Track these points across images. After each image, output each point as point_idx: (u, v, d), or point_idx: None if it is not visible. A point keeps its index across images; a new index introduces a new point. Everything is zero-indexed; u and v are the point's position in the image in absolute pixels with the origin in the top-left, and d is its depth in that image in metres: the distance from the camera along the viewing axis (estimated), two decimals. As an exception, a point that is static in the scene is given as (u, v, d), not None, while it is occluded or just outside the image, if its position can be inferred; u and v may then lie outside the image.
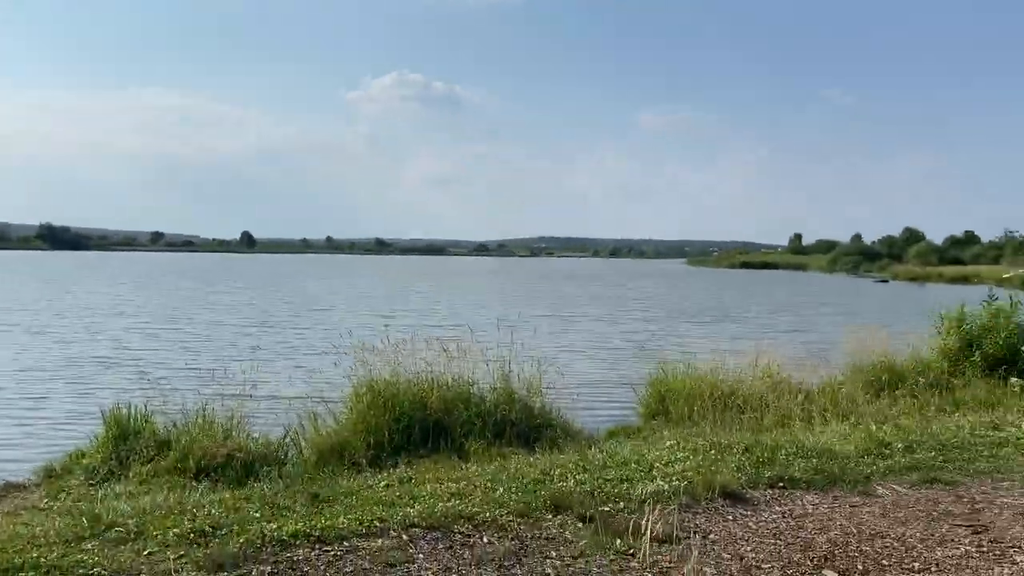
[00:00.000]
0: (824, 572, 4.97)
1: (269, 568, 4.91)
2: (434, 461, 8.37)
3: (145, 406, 8.41)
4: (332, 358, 12.28)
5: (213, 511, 5.82)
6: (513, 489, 6.50)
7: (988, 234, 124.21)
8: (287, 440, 8.20)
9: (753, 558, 5.23)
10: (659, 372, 11.44)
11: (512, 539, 5.51)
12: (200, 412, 8.19)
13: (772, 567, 5.08)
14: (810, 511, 6.19)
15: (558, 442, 9.01)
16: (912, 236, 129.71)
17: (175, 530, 5.38)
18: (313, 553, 5.15)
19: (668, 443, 8.24)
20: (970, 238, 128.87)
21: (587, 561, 5.14)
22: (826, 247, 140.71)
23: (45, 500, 6.92)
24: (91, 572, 4.71)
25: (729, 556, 5.27)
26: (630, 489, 6.48)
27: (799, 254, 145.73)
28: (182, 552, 5.08)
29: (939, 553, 5.34)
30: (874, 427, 8.84)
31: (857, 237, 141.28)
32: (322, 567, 4.96)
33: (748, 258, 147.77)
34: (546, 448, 8.76)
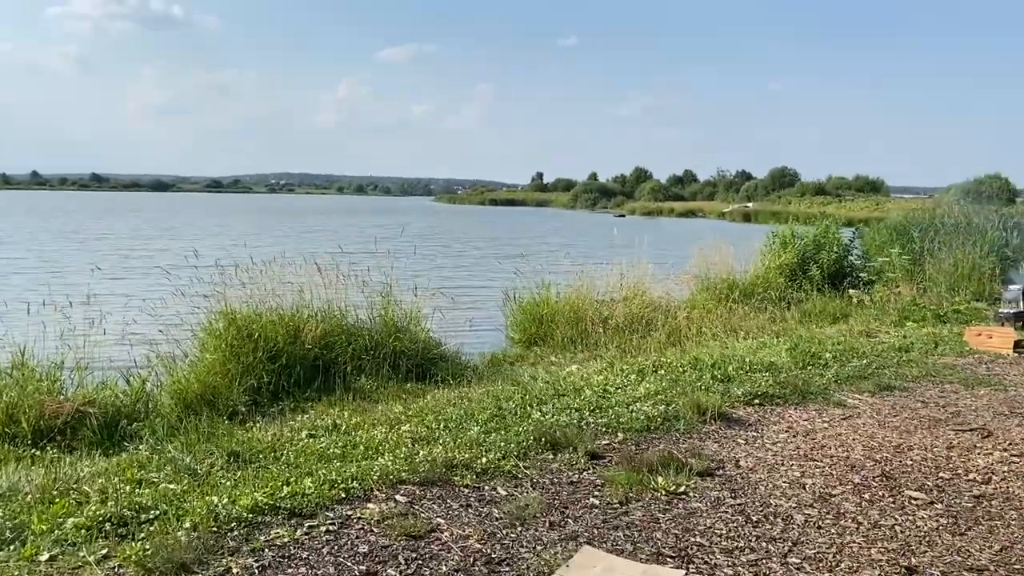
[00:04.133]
0: (908, 493, 4.41)
1: (253, 559, 3.47)
2: (330, 403, 6.97)
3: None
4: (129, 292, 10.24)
5: (112, 488, 4.16)
6: (481, 429, 5.37)
7: (704, 173, 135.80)
8: (148, 390, 6.36)
9: (812, 484, 4.56)
10: (533, 295, 10.57)
11: (532, 486, 4.44)
12: (18, 360, 6.10)
13: (844, 492, 4.44)
14: (810, 427, 5.67)
15: (463, 374, 7.90)
16: (641, 175, 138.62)
17: (74, 520, 3.72)
18: (299, 532, 3.76)
19: (597, 366, 7.48)
20: (689, 176, 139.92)
21: (643, 506, 4.20)
22: (565, 185, 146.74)
23: None
24: (-22, 598, 3.03)
25: (788, 484, 4.56)
26: (617, 418, 5.58)
27: (541, 191, 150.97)
28: (105, 550, 3.49)
29: (981, 462, 4.99)
30: (777, 340, 8.62)
31: (593, 176, 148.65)
32: (324, 549, 3.61)
33: (495, 195, 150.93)
34: (452, 382, 7.63)
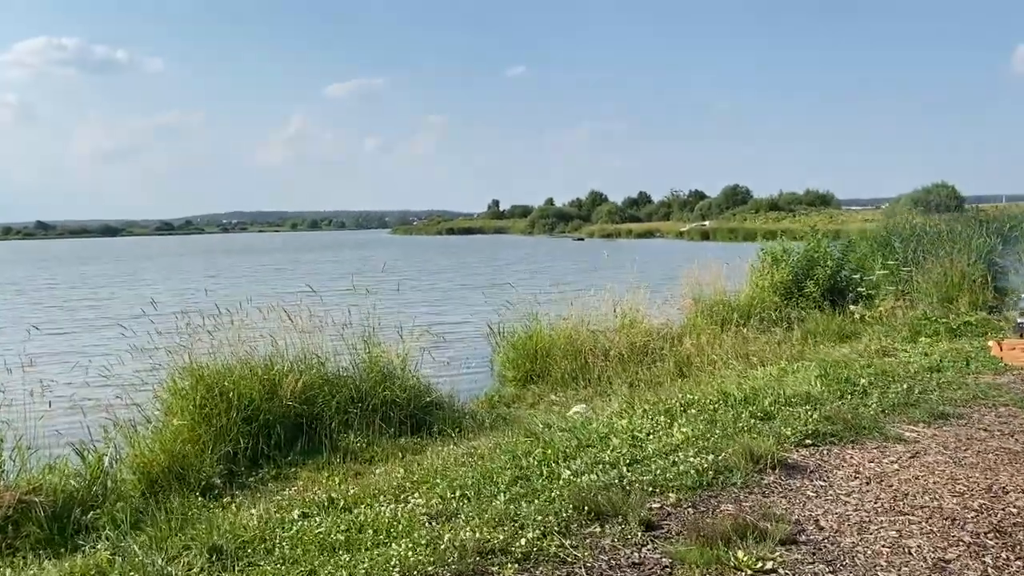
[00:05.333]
0: (1040, 553, 3.69)
1: None
2: (318, 467, 6.13)
3: None
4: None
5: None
6: (507, 497, 4.56)
7: (657, 194, 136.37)
8: (105, 466, 5.44)
9: (918, 547, 3.83)
10: (524, 329, 9.81)
11: (588, 574, 3.63)
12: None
13: (959, 556, 3.71)
14: (878, 470, 4.95)
15: (462, 423, 7.09)
16: (597, 198, 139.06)
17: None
18: (312, 665, 2.91)
19: (614, 407, 6.72)
20: (643, 198, 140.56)
21: (729, 592, 3.42)
22: (522, 211, 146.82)
23: None
24: None
25: (889, 548, 3.82)
26: (663, 473, 4.81)
27: (498, 219, 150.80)
28: None
29: (1096, 503, 4.31)
30: (798, 366, 7.95)
31: (550, 201, 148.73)
32: None
33: (452, 224, 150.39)
34: (452, 433, 6.82)
